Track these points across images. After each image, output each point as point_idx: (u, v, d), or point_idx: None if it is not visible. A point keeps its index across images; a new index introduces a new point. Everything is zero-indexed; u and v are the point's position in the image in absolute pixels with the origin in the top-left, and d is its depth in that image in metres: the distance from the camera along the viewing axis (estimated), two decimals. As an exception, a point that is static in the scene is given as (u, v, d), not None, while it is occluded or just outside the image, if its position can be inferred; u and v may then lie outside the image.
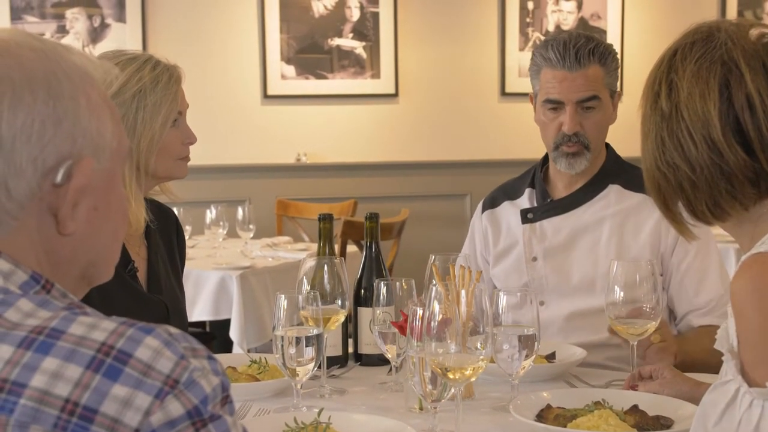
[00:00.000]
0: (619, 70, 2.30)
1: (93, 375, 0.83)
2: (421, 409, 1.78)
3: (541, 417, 1.66)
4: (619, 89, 2.31)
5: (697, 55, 1.23)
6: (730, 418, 1.15)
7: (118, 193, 1.01)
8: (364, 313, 2.14)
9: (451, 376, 1.54)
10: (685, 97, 1.22)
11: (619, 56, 2.32)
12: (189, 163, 2.06)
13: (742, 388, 1.14)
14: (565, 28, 5.72)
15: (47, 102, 0.93)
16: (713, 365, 1.95)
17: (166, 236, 2.16)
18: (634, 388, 1.81)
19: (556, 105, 2.23)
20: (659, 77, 1.27)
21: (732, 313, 1.18)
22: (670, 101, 1.24)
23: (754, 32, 1.23)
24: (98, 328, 0.86)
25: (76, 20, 5.27)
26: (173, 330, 0.88)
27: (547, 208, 2.33)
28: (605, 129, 2.28)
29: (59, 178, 0.93)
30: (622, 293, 1.86)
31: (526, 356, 1.76)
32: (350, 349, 2.20)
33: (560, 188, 2.35)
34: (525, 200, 2.38)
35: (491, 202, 2.45)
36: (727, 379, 1.17)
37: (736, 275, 1.17)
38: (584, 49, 2.19)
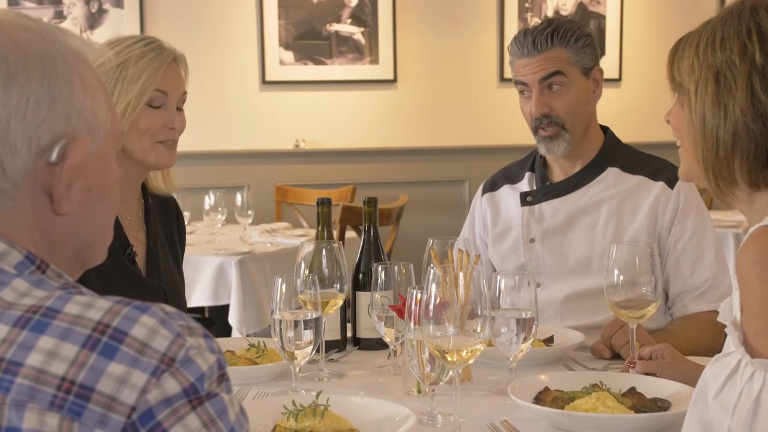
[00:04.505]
0: (596, 45, 2.30)
1: (89, 353, 0.83)
2: (419, 392, 1.78)
3: (539, 399, 1.66)
4: (599, 65, 2.31)
5: None
6: (730, 390, 1.15)
7: (111, 174, 1.02)
8: (363, 297, 2.14)
9: (449, 358, 1.54)
10: None
11: (594, 34, 2.34)
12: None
13: (744, 359, 1.14)
14: (564, 13, 5.70)
15: (42, 81, 0.93)
16: (700, 355, 1.96)
17: (166, 223, 2.16)
18: (631, 364, 1.82)
19: (523, 87, 2.28)
20: (745, 29, 1.23)
21: (737, 285, 1.18)
22: (764, 53, 1.21)
23: None
24: (94, 307, 0.86)
25: (74, 6, 5.26)
26: (169, 308, 0.88)
27: (546, 191, 2.34)
28: (582, 106, 2.27)
29: (54, 156, 0.94)
30: (621, 276, 1.86)
31: (524, 339, 1.76)
32: (349, 334, 2.20)
33: (559, 172, 2.36)
34: (525, 184, 2.40)
35: (491, 185, 2.47)
36: (730, 351, 1.17)
37: (743, 246, 1.17)
38: (541, 35, 2.23)
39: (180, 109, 2.03)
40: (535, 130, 2.29)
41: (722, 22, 1.25)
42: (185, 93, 2.05)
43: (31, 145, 0.93)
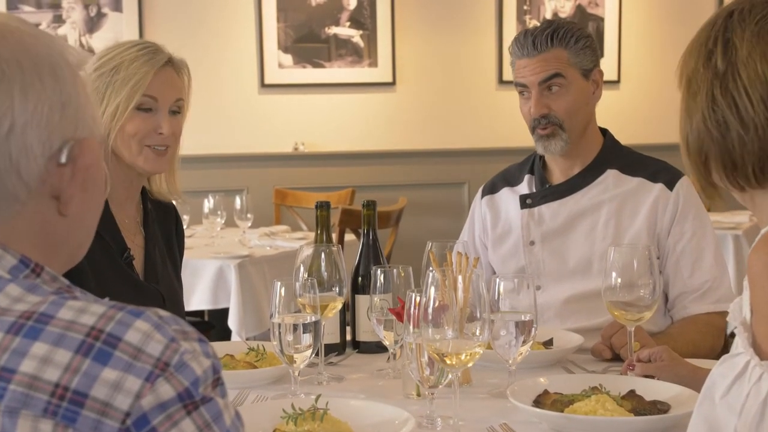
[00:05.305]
0: (596, 47, 2.30)
1: (82, 359, 0.82)
2: (418, 395, 1.78)
3: (538, 402, 1.65)
4: (599, 66, 2.31)
5: (757, 17, 1.22)
6: (738, 391, 1.14)
7: (103, 173, 1.03)
8: (362, 300, 2.14)
9: (448, 361, 1.54)
10: (744, 56, 1.20)
11: (594, 36, 2.35)
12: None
13: (752, 360, 1.13)
14: (562, 15, 5.70)
15: (54, 88, 0.94)
16: (700, 357, 1.96)
17: (165, 229, 2.16)
18: (630, 366, 1.81)
19: (523, 89, 2.28)
20: (714, 36, 1.24)
21: (747, 286, 1.17)
22: (726, 59, 1.21)
23: None
24: (87, 312, 0.86)
25: (73, 10, 5.25)
26: (163, 313, 0.88)
27: (545, 193, 2.34)
28: (581, 107, 2.27)
29: (64, 158, 0.95)
30: (619, 279, 1.85)
31: (524, 342, 1.76)
32: (348, 337, 2.20)
33: (558, 174, 2.36)
34: (524, 186, 2.39)
35: (491, 188, 2.47)
36: (738, 352, 1.16)
37: (754, 247, 1.17)
38: (541, 36, 2.24)
39: (176, 114, 2.02)
40: (532, 130, 2.29)
41: (701, 30, 1.27)
42: (180, 99, 2.02)
43: (44, 150, 0.94)
